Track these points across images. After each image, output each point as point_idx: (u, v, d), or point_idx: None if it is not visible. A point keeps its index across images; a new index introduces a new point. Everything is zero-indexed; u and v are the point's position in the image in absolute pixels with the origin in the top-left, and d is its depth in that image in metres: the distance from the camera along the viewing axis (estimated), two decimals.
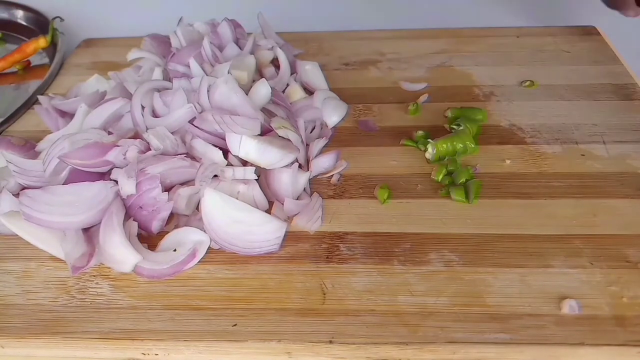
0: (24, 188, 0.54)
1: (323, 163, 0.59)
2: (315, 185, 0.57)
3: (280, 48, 0.70)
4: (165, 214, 0.52)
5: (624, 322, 0.42)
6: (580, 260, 0.47)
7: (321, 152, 0.60)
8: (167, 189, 0.54)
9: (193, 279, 0.49)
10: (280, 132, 0.56)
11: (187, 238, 0.51)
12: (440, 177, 0.56)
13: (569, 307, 0.43)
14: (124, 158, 0.54)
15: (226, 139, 0.54)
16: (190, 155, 0.56)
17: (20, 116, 0.71)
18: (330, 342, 0.43)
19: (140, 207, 0.52)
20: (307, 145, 0.60)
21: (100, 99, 0.65)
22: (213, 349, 0.44)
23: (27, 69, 0.83)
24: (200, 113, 0.57)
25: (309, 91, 0.69)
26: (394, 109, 0.67)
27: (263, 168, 0.55)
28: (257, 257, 0.50)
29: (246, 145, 0.54)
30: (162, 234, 0.53)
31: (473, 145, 0.58)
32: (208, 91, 0.58)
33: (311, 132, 0.63)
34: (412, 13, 0.86)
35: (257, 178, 0.55)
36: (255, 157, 0.54)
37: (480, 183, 0.55)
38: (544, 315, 0.43)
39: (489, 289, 0.46)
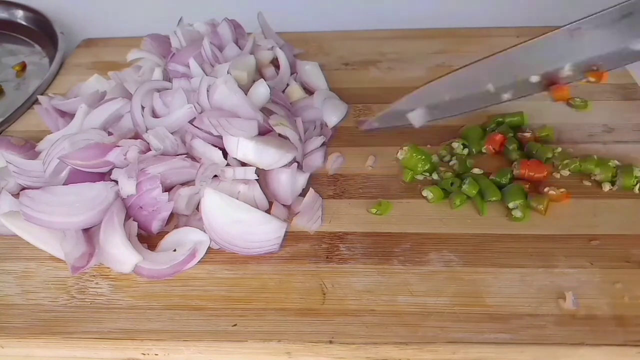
0: (24, 188, 0.55)
1: (316, 159, 0.59)
2: (315, 185, 0.57)
3: (280, 48, 0.70)
4: (165, 214, 0.52)
5: (624, 322, 0.42)
6: (580, 260, 0.47)
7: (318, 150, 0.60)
8: (168, 189, 0.54)
9: (193, 279, 0.49)
10: (278, 129, 0.56)
11: (187, 238, 0.51)
12: (408, 177, 0.56)
13: (572, 301, 0.43)
14: (125, 158, 0.54)
15: (224, 142, 0.54)
16: (190, 156, 0.56)
17: (20, 116, 0.71)
18: (330, 342, 0.43)
19: (141, 207, 0.52)
20: None
21: (100, 99, 0.65)
22: (213, 349, 0.44)
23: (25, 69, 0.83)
24: (200, 113, 0.57)
25: (309, 91, 0.69)
26: None
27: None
28: (257, 257, 0.50)
29: (244, 148, 0.54)
30: (162, 234, 0.53)
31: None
32: (208, 91, 0.58)
33: (312, 131, 0.63)
34: (412, 13, 0.86)
35: (257, 178, 0.55)
36: (253, 159, 0.54)
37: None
38: (544, 315, 0.43)
39: (489, 289, 0.46)
